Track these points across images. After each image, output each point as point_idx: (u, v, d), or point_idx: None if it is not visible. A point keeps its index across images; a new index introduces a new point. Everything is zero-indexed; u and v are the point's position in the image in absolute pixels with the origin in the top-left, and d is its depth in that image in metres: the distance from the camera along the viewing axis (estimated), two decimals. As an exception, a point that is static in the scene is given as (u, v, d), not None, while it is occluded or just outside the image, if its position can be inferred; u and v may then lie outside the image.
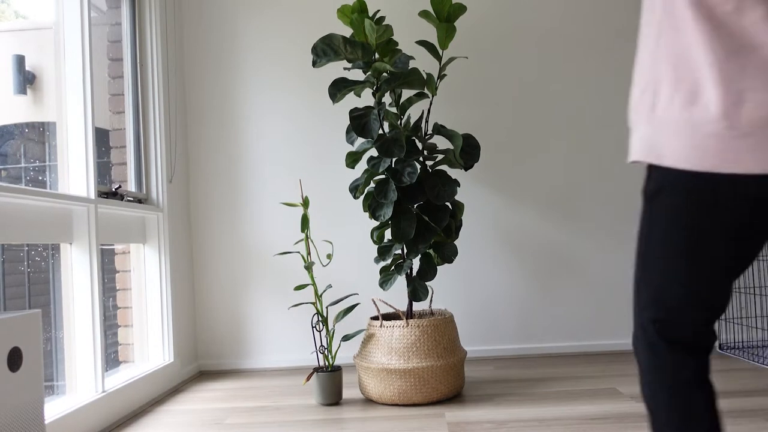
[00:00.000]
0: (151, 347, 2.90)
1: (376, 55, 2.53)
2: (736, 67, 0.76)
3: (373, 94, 2.52)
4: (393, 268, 2.55)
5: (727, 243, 0.83)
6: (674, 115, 0.81)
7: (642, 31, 0.92)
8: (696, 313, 0.90)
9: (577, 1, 3.34)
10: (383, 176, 2.53)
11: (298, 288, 2.56)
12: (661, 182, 0.85)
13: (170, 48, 3.15)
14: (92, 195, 2.33)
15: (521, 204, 3.28)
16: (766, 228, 0.83)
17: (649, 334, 0.93)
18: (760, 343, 3.12)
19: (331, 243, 2.90)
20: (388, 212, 2.44)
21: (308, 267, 2.52)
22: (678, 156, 0.80)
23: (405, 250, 2.54)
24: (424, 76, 2.47)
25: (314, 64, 2.44)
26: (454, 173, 3.20)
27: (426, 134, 2.62)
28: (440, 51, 2.55)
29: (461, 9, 2.47)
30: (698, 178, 0.80)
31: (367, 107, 2.50)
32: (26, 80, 2.44)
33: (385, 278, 2.55)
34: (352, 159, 2.63)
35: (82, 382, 2.27)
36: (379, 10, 2.58)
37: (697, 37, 0.79)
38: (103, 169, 2.85)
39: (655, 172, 0.86)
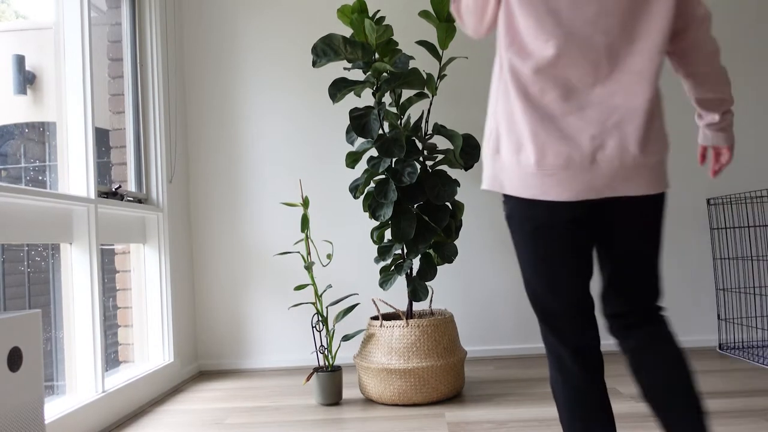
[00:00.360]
0: (151, 347, 2.90)
1: (376, 55, 2.53)
2: (542, 130, 1.09)
3: (373, 94, 2.52)
4: (393, 268, 2.55)
5: (560, 247, 1.14)
6: (509, 159, 1.13)
7: (492, 85, 1.21)
8: (560, 308, 1.17)
9: (577, 1, 3.33)
10: (383, 176, 2.53)
11: (298, 288, 2.56)
12: (511, 207, 1.17)
13: (170, 48, 3.15)
14: (92, 195, 2.33)
15: (521, 204, 3.28)
16: (584, 235, 1.16)
17: (542, 328, 1.21)
18: (760, 343, 3.12)
19: (331, 243, 2.90)
20: (388, 212, 2.44)
21: (308, 267, 2.53)
22: (513, 187, 1.13)
23: (405, 250, 2.54)
24: (424, 76, 2.47)
25: (314, 64, 2.44)
26: (454, 173, 3.20)
27: (426, 134, 2.62)
28: (440, 51, 2.55)
29: (461, 9, 2.46)
30: (528, 202, 1.13)
31: (367, 107, 2.50)
32: (26, 80, 2.44)
33: (385, 278, 2.55)
34: (352, 159, 2.63)
35: (82, 382, 2.27)
36: (379, 10, 2.57)
37: (519, 106, 1.11)
38: (103, 169, 2.85)
39: (506, 199, 1.19)
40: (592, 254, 1.19)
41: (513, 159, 1.12)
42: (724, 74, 1.22)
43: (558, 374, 1.19)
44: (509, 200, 1.17)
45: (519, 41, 1.12)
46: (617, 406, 2.19)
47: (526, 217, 1.15)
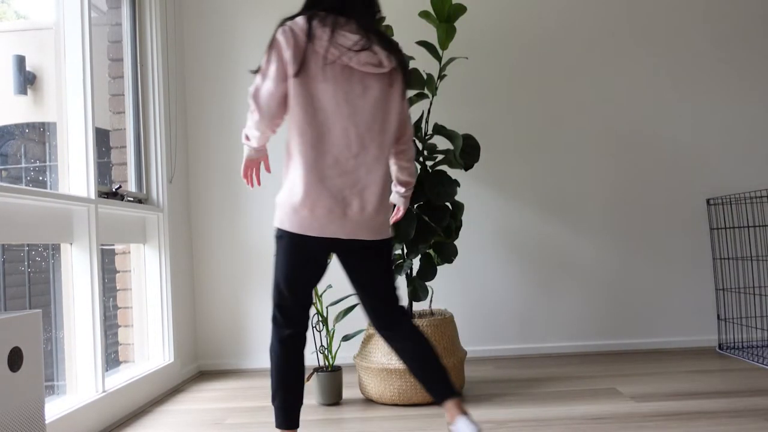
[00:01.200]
0: (151, 347, 2.90)
1: (376, 56, 2.53)
2: (315, 191, 1.61)
3: (373, 94, 2.52)
4: (393, 268, 2.55)
5: (310, 267, 1.70)
6: (289, 209, 1.63)
7: (286, 153, 1.70)
8: (296, 302, 1.72)
9: (575, 3, 3.34)
10: (383, 176, 2.53)
11: (298, 288, 2.56)
12: (283, 234, 1.66)
13: (170, 48, 3.15)
14: (92, 195, 2.33)
15: (521, 204, 3.29)
16: (325, 259, 1.71)
17: (275, 315, 1.72)
18: (759, 343, 3.12)
19: (331, 243, 2.89)
20: (388, 212, 2.44)
21: (308, 267, 2.52)
22: (291, 226, 1.64)
23: (405, 250, 2.54)
24: (424, 77, 2.47)
25: (314, 64, 2.44)
26: (454, 173, 3.20)
27: (426, 134, 2.62)
28: (440, 51, 2.56)
29: (461, 9, 2.47)
30: (297, 235, 1.64)
31: (367, 107, 2.50)
32: (26, 80, 2.44)
33: (385, 278, 2.54)
34: (352, 159, 2.63)
35: (82, 382, 2.27)
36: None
37: (301, 171, 1.62)
38: (104, 169, 2.85)
39: (280, 230, 1.67)
40: (323, 271, 1.75)
41: (292, 207, 1.63)
42: (415, 167, 1.90)
43: (279, 346, 1.72)
44: (285, 232, 1.67)
45: (299, 127, 1.63)
46: (617, 406, 2.20)
47: (294, 244, 1.67)
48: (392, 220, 1.92)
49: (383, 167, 1.67)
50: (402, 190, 1.92)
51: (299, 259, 1.68)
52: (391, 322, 1.75)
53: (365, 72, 1.66)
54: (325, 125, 1.63)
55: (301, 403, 1.73)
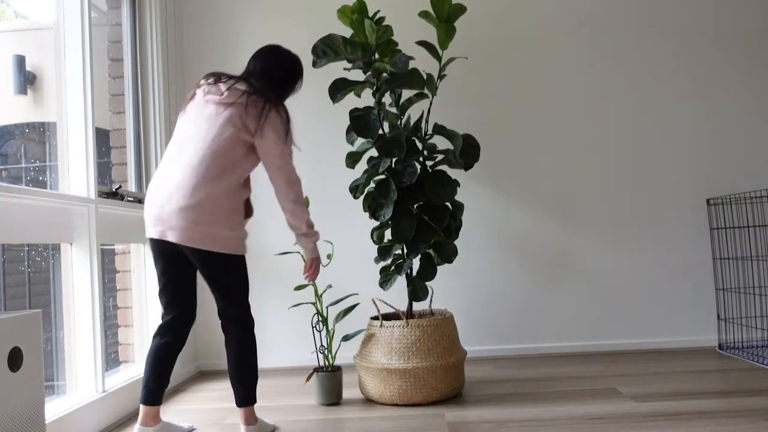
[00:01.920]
0: (151, 347, 2.90)
1: (376, 56, 2.53)
2: (149, 197, 1.97)
3: (373, 95, 2.52)
4: (393, 268, 2.55)
5: (166, 268, 2.01)
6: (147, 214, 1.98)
7: None
8: (167, 301, 2.04)
9: (575, 2, 3.34)
10: (383, 176, 2.53)
11: (298, 288, 2.56)
12: (150, 240, 1.99)
13: (170, 48, 3.15)
14: (92, 195, 2.33)
15: (521, 204, 3.29)
16: (174, 259, 2.00)
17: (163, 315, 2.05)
18: (759, 343, 3.12)
19: (331, 243, 2.90)
20: (388, 212, 2.44)
21: (308, 267, 2.52)
22: (149, 232, 1.97)
23: (405, 250, 2.54)
24: (424, 77, 2.47)
25: (314, 64, 2.44)
26: (454, 173, 3.20)
27: (426, 134, 2.62)
28: (440, 51, 2.56)
29: (461, 9, 2.47)
30: (151, 240, 1.97)
31: (367, 107, 2.50)
32: (26, 80, 2.44)
33: (385, 278, 2.55)
34: (352, 159, 2.63)
35: (82, 382, 2.27)
36: (379, 11, 2.58)
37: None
38: (104, 169, 2.85)
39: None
40: (183, 271, 2.02)
41: (148, 216, 1.96)
42: (292, 210, 2.10)
43: (160, 337, 2.04)
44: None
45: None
46: (617, 406, 2.20)
47: (153, 247, 1.99)
48: (304, 274, 2.19)
49: (208, 180, 1.90)
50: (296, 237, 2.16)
51: (155, 259, 2.01)
52: (223, 324, 2.08)
53: (208, 101, 2.01)
54: (174, 145, 2.00)
55: (166, 383, 2.06)
